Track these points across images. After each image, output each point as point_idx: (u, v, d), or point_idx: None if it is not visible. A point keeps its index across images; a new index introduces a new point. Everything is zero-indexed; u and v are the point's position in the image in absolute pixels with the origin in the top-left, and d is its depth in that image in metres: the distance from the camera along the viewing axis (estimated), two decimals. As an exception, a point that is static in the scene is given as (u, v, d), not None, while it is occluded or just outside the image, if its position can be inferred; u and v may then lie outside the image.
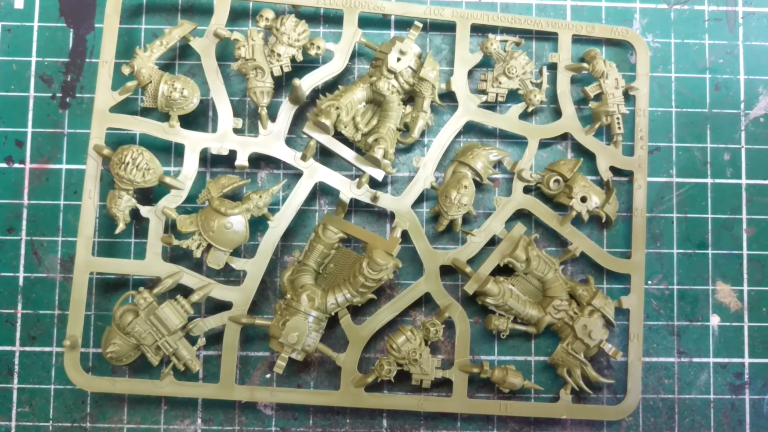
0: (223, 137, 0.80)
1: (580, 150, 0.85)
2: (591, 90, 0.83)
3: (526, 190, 0.83)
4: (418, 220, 0.81)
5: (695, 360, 0.84)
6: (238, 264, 0.79)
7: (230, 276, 0.82)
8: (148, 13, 0.85)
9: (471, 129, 0.85)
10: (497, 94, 0.82)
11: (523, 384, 0.79)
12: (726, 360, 0.84)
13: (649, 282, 0.85)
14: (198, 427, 0.82)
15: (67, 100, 0.84)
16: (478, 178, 0.81)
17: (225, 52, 0.83)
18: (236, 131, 0.80)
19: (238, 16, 0.85)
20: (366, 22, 0.84)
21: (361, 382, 0.79)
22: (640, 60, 0.84)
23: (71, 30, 0.85)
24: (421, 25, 0.80)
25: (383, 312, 0.80)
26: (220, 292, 0.79)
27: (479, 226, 0.82)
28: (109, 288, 0.83)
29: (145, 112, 0.83)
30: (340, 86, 0.82)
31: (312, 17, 0.85)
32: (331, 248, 0.80)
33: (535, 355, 0.84)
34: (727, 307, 0.85)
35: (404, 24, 0.85)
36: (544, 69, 0.83)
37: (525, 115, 0.84)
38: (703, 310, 0.85)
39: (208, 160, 0.84)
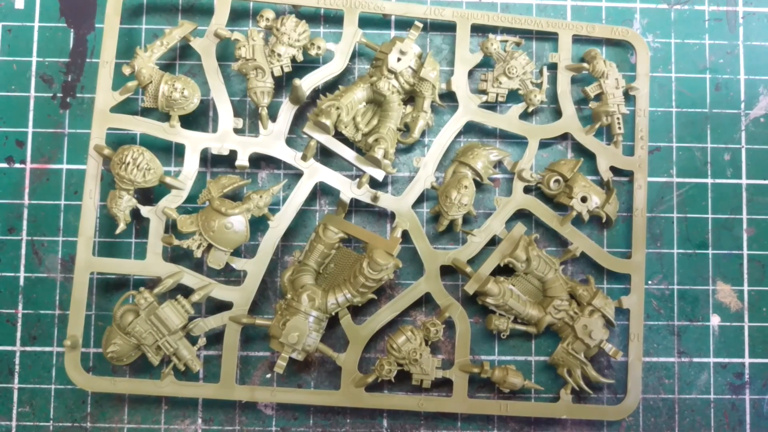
0: (224, 137, 0.80)
1: (581, 150, 0.85)
2: (591, 90, 0.83)
3: (527, 190, 0.83)
4: (418, 220, 0.81)
5: (695, 360, 0.84)
6: (238, 264, 0.79)
7: (231, 276, 0.82)
8: (149, 13, 0.85)
9: (471, 129, 0.85)
10: (497, 94, 0.82)
11: (524, 384, 0.79)
12: (726, 360, 0.84)
13: (650, 282, 0.85)
14: (198, 427, 0.82)
15: (68, 100, 0.84)
16: (478, 178, 0.81)
17: (225, 53, 0.83)
18: (236, 131, 0.80)
19: (238, 16, 0.85)
20: (366, 22, 0.84)
21: (361, 382, 0.79)
22: (640, 60, 0.84)
23: (72, 30, 0.85)
24: (421, 25, 0.80)
25: (383, 312, 0.80)
26: (221, 292, 0.79)
27: (479, 226, 0.82)
28: (109, 288, 0.83)
29: (146, 112, 0.83)
30: (340, 86, 0.82)
31: (312, 17, 0.85)
32: (332, 248, 0.80)
33: (536, 355, 0.84)
34: (728, 307, 0.85)
35: (404, 24, 0.85)
36: (545, 69, 0.83)
37: (525, 115, 0.84)
38: (703, 310, 0.85)
39: (209, 160, 0.84)
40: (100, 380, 0.78)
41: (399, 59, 0.79)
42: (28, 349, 0.83)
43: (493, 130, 0.85)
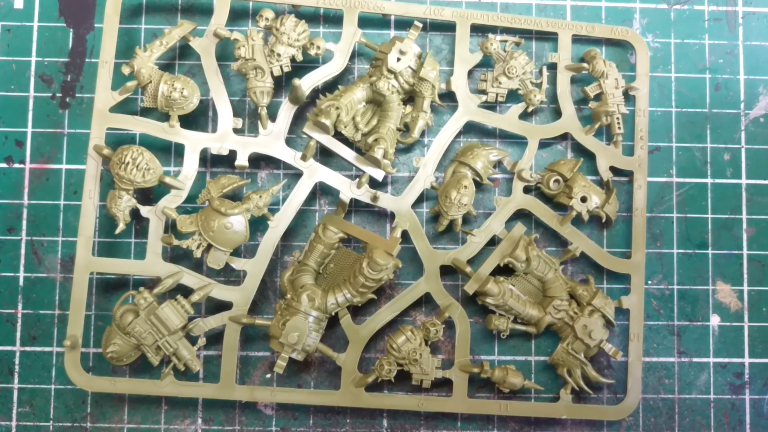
0: (223, 137, 0.80)
1: (580, 150, 0.85)
2: (591, 90, 0.83)
3: (526, 190, 0.83)
4: (418, 220, 0.81)
5: (695, 360, 0.84)
6: (238, 264, 0.79)
7: (230, 276, 0.82)
8: (148, 13, 0.85)
9: (471, 129, 0.85)
10: (497, 94, 0.82)
11: (524, 384, 0.79)
12: (726, 360, 0.84)
13: (649, 282, 0.85)
14: (198, 427, 0.82)
15: (67, 100, 0.84)
16: (478, 178, 0.81)
17: (225, 52, 0.83)
18: (236, 131, 0.80)
19: (238, 16, 0.85)
20: (366, 22, 0.84)
21: (361, 382, 0.79)
22: (640, 60, 0.84)
23: (71, 30, 0.85)
24: (421, 25, 0.80)
25: (383, 312, 0.80)
26: (221, 292, 0.79)
27: (479, 226, 0.82)
28: (109, 288, 0.83)
29: (145, 112, 0.83)
30: (340, 86, 0.82)
31: (312, 17, 0.85)
32: (332, 248, 0.80)
33: (535, 355, 0.84)
34: (727, 307, 0.85)
35: (404, 24, 0.85)
36: (544, 69, 0.83)
37: (525, 115, 0.84)
38: (703, 310, 0.85)
39: (208, 160, 0.84)
40: (100, 380, 0.78)
41: (398, 59, 0.79)
42: (28, 349, 0.83)
43: (492, 130, 0.85)
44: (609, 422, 0.83)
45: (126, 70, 0.78)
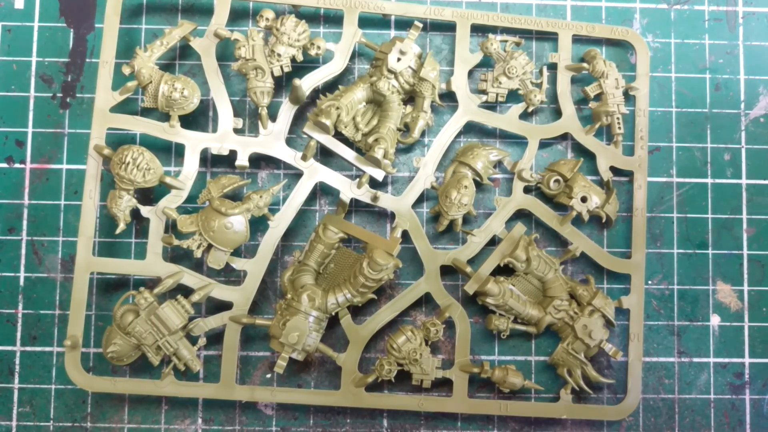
0: (224, 137, 0.80)
1: (580, 150, 0.85)
2: (591, 90, 0.83)
3: (527, 190, 0.83)
4: (418, 220, 0.81)
5: (695, 360, 0.84)
6: (238, 264, 0.79)
7: (231, 276, 0.82)
8: (149, 13, 0.85)
9: (471, 129, 0.85)
10: (497, 94, 0.82)
11: (524, 384, 0.79)
12: (726, 360, 0.84)
13: (650, 282, 0.85)
14: (198, 427, 0.82)
15: (68, 100, 0.84)
16: (478, 178, 0.81)
17: (225, 52, 0.83)
18: (236, 131, 0.80)
19: (238, 16, 0.85)
20: (366, 22, 0.84)
21: (361, 382, 0.79)
22: (640, 60, 0.84)
23: (71, 30, 0.85)
24: (421, 25, 0.80)
25: (383, 312, 0.80)
26: (221, 292, 0.79)
27: (479, 226, 0.82)
28: (109, 288, 0.83)
29: (146, 112, 0.83)
30: (340, 86, 0.82)
31: (312, 17, 0.85)
32: (332, 248, 0.80)
33: (536, 355, 0.84)
34: (728, 307, 0.85)
35: (404, 24, 0.85)
36: (544, 69, 0.83)
37: (525, 115, 0.84)
38: (703, 310, 0.85)
39: (209, 160, 0.84)
40: (100, 380, 0.78)
41: (399, 59, 0.79)
42: (28, 349, 0.83)
43: (493, 130, 0.85)
44: (609, 422, 0.83)
45: (126, 70, 0.78)
